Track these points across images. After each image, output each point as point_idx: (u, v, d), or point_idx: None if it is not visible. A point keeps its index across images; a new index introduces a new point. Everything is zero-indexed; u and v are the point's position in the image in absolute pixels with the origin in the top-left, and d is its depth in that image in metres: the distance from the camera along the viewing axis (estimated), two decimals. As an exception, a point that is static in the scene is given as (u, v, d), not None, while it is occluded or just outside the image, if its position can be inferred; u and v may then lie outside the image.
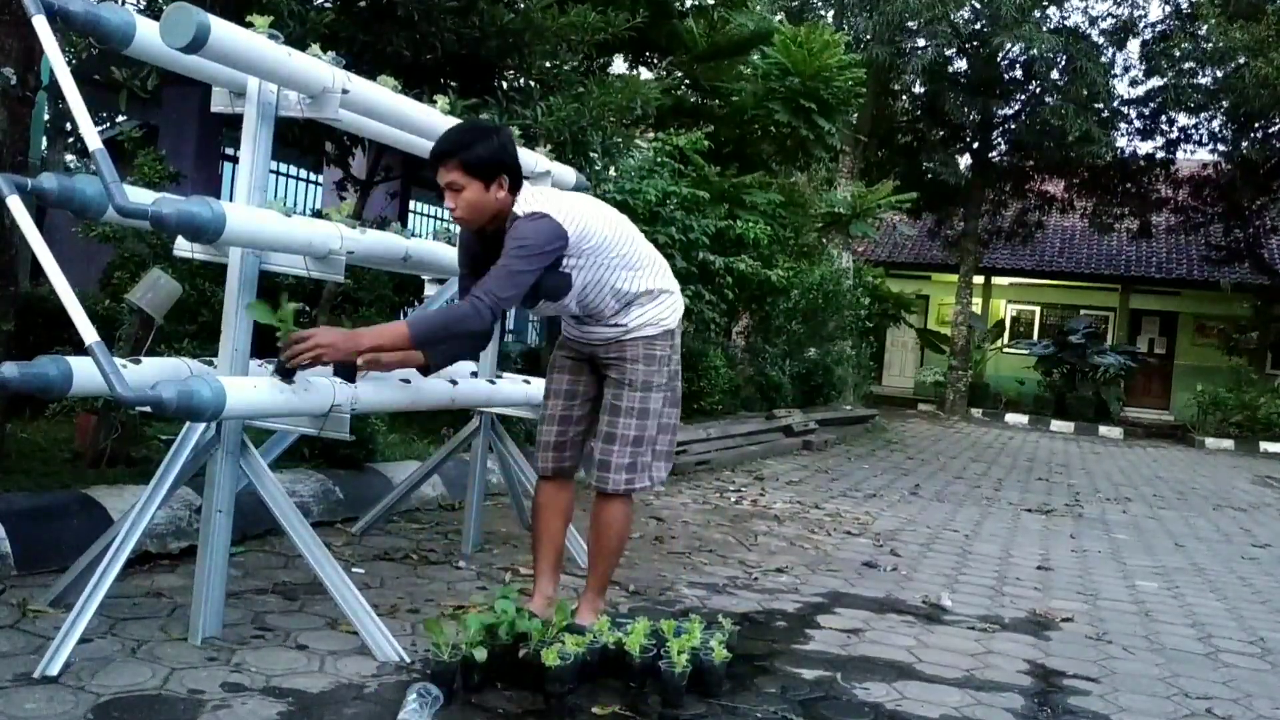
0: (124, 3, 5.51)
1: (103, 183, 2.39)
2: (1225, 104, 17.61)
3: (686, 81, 10.59)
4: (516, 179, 2.92)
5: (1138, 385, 21.35)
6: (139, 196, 2.60)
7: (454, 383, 3.60)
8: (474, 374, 3.97)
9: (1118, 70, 19.09)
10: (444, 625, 2.70)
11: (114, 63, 4.69)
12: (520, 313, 11.34)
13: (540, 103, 5.84)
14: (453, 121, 3.58)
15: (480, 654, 2.63)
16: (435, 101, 3.61)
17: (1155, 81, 18.86)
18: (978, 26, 17.19)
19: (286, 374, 2.74)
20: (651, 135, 9.21)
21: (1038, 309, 24.09)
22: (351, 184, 7.16)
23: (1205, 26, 16.48)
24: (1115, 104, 18.94)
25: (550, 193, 3.05)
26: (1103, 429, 17.32)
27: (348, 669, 2.78)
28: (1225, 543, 6.66)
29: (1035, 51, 16.56)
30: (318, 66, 2.86)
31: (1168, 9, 18.26)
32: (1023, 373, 19.95)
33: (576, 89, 6.19)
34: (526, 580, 3.92)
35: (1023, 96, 18.80)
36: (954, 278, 19.70)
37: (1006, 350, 22.05)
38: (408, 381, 3.30)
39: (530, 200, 2.91)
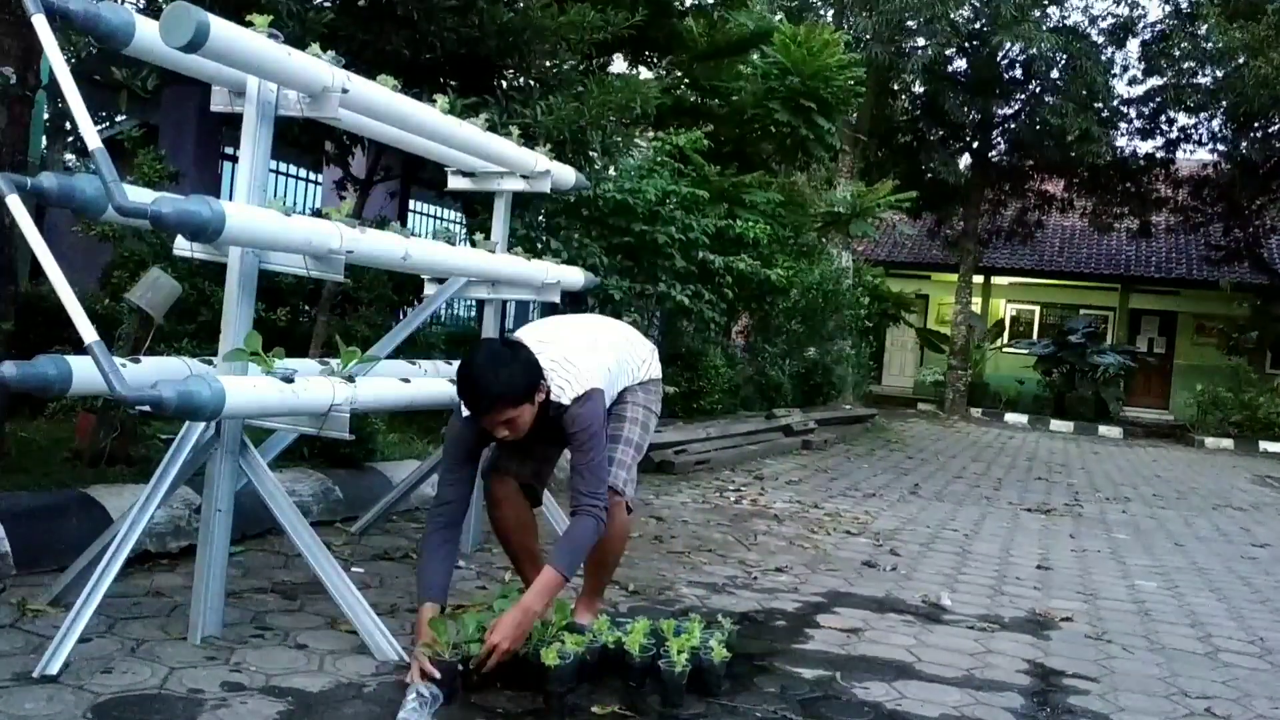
0: (123, 2, 5.51)
1: (102, 182, 2.39)
2: (1225, 104, 17.60)
3: (686, 81, 10.59)
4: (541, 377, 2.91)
5: (1137, 385, 21.35)
6: (138, 196, 2.60)
7: (453, 381, 3.59)
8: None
9: (1117, 70, 19.10)
10: (446, 624, 2.70)
11: (114, 62, 4.70)
12: (521, 313, 11.34)
13: (540, 102, 5.84)
14: (452, 120, 3.58)
15: (476, 650, 2.63)
16: (435, 101, 3.61)
17: (1155, 81, 18.87)
18: (977, 26, 17.18)
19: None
20: (651, 134, 9.21)
21: (1037, 308, 24.08)
22: (351, 183, 7.16)
23: (1205, 26, 16.47)
24: (1115, 103, 18.94)
25: (569, 356, 3.02)
26: (1102, 429, 17.32)
27: (347, 668, 2.78)
28: (1224, 542, 6.66)
29: (1035, 51, 16.56)
30: (317, 66, 2.86)
31: (1167, 8, 18.25)
32: (1022, 372, 19.95)
33: (576, 88, 6.19)
34: (526, 579, 3.92)
35: (1022, 96, 18.79)
36: (953, 277, 19.69)
37: (1006, 350, 22.04)
38: (406, 380, 3.30)
39: (564, 381, 2.94)
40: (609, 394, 3.13)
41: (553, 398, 2.93)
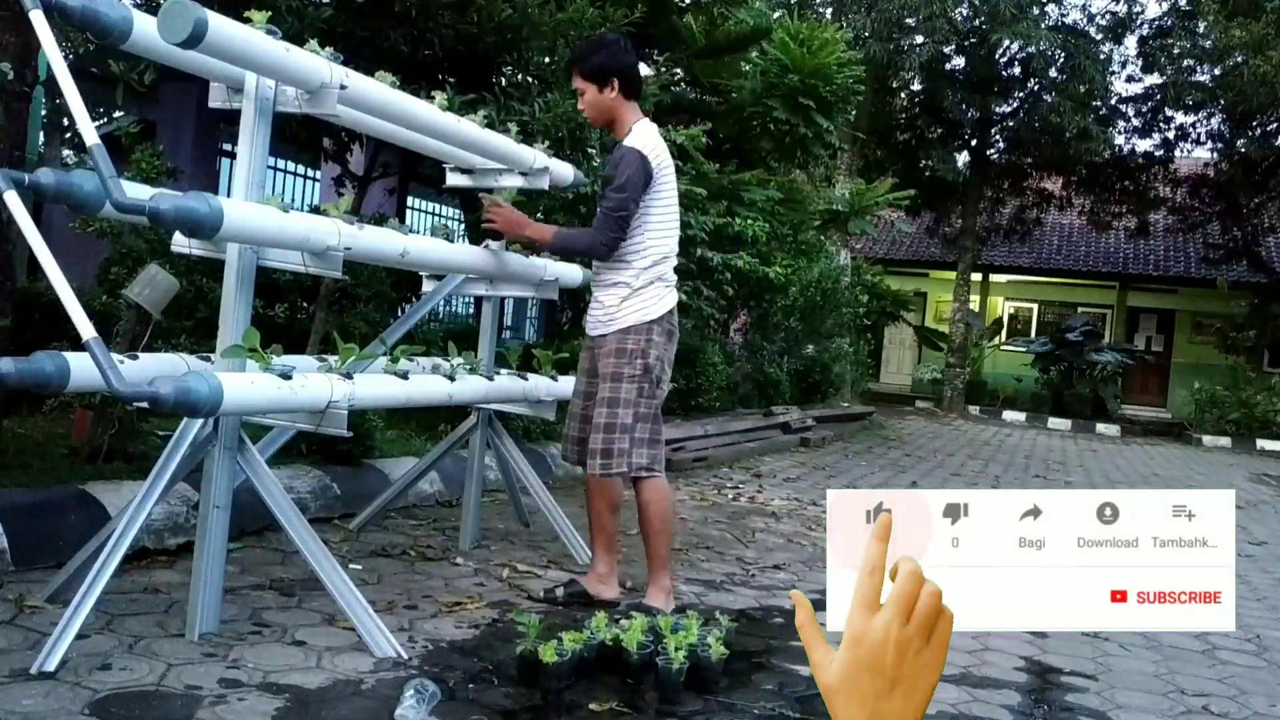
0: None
1: (100, 178, 2.39)
2: (1223, 102, 17.60)
3: (685, 78, 10.57)
4: (627, 83, 3.45)
5: (1135, 383, 21.37)
6: (136, 192, 2.60)
7: (451, 379, 3.60)
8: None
9: (1115, 68, 19.10)
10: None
11: (111, 58, 4.68)
12: (519, 310, 11.34)
13: (538, 98, 5.84)
14: (451, 117, 3.58)
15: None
16: (433, 97, 3.60)
17: (1153, 79, 18.88)
18: (976, 23, 17.17)
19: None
20: (650, 132, 9.18)
21: (1035, 306, 24.09)
22: (349, 180, 7.15)
23: (1204, 24, 16.47)
24: (1113, 101, 18.95)
25: (648, 133, 3.50)
26: (1100, 426, 17.33)
27: (345, 665, 2.78)
28: (1222, 540, 6.66)
29: (1033, 49, 16.56)
30: (315, 62, 2.86)
31: (1166, 6, 18.27)
32: (1020, 370, 19.95)
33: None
34: (525, 576, 3.93)
35: (1021, 94, 18.78)
36: (952, 275, 19.69)
37: (1004, 348, 22.04)
38: (405, 378, 3.30)
39: (635, 135, 3.43)
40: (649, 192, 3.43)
41: (619, 133, 3.48)
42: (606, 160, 7.36)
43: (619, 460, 3.37)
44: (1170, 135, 19.61)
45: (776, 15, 11.52)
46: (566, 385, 4.03)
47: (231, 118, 2.99)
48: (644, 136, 3.44)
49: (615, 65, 3.37)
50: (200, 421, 2.86)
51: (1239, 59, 15.67)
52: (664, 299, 3.50)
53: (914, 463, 9.97)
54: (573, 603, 3.51)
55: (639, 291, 3.44)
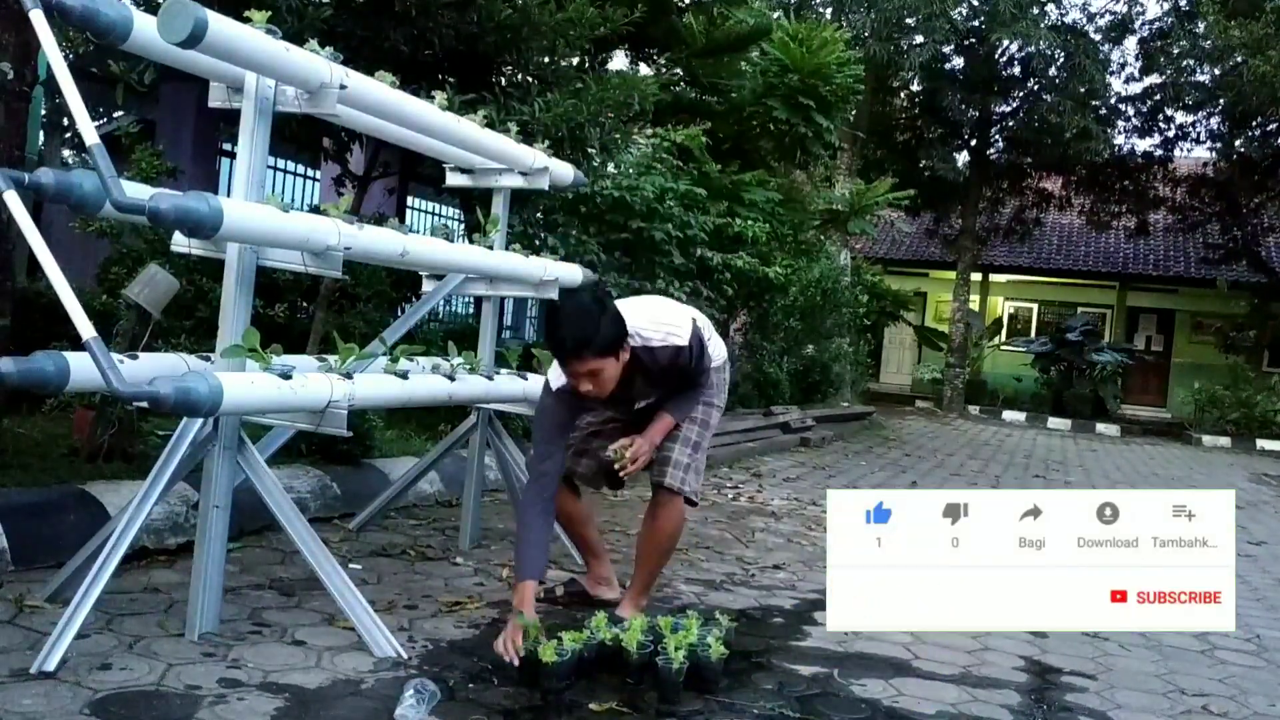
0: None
1: (100, 178, 2.39)
2: (1223, 102, 17.61)
3: (685, 78, 10.57)
4: (625, 333, 2.99)
5: (1135, 383, 21.37)
6: (136, 191, 2.60)
7: (451, 379, 3.60)
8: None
9: (1115, 68, 19.11)
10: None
11: (111, 57, 4.68)
12: (519, 310, 11.32)
13: (538, 98, 5.83)
14: (450, 117, 3.58)
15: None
16: (433, 97, 3.60)
17: (1153, 79, 18.87)
18: (976, 23, 17.18)
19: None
20: (650, 131, 9.19)
21: (1035, 306, 24.09)
22: (349, 180, 7.14)
23: (1203, 24, 16.47)
24: (1113, 101, 18.94)
25: (656, 315, 3.20)
26: (1100, 426, 17.33)
27: (345, 665, 2.78)
28: (1222, 540, 6.66)
29: (1033, 49, 16.56)
30: (315, 62, 2.86)
31: (1166, 6, 18.27)
32: (1020, 370, 19.95)
33: (574, 85, 6.18)
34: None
35: (1021, 94, 18.79)
36: (952, 275, 19.69)
37: (1004, 347, 22.05)
38: (405, 378, 3.30)
39: (667, 330, 3.12)
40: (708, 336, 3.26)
41: (657, 344, 3.09)
42: (606, 160, 7.39)
43: (694, 479, 3.27)
44: (1170, 135, 19.61)
45: (776, 15, 11.52)
46: (566, 385, 4.02)
47: (231, 117, 2.99)
48: (670, 322, 3.18)
49: (621, 333, 2.96)
50: (200, 421, 2.86)
51: (1238, 59, 15.67)
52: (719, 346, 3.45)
53: (914, 462, 9.97)
54: (572, 602, 3.50)
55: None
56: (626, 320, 2.98)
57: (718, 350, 3.37)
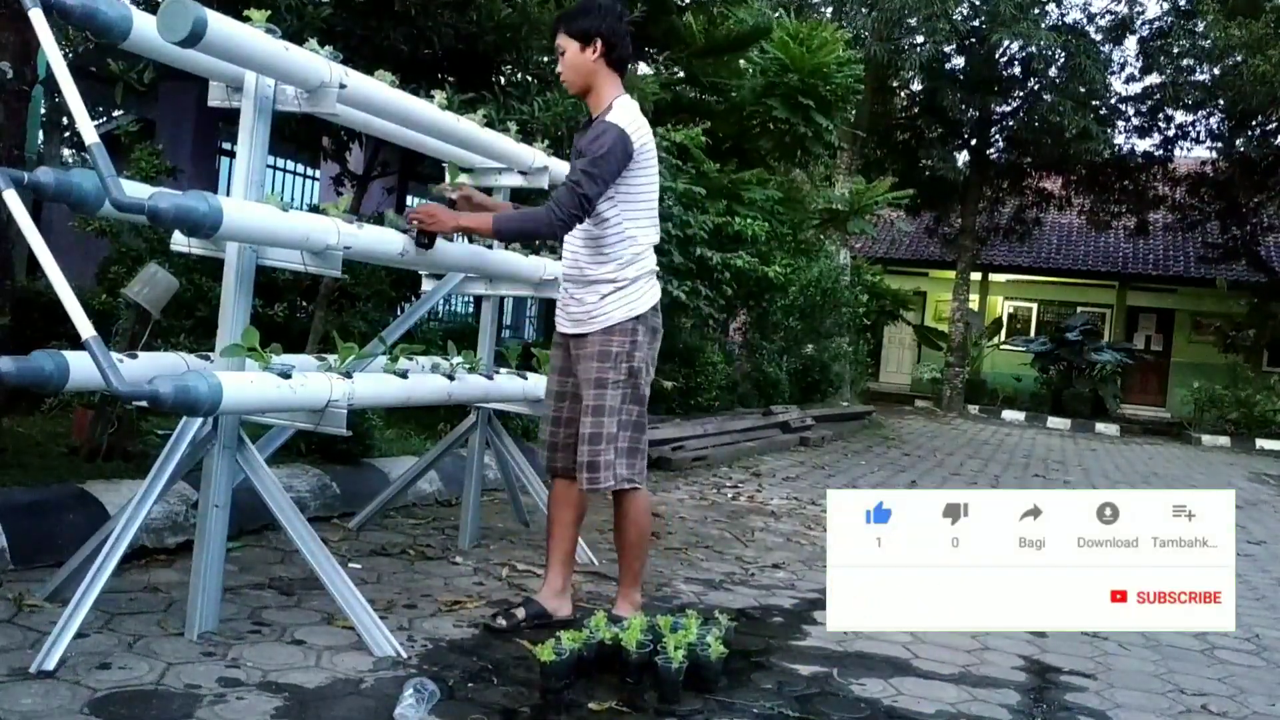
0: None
1: (99, 177, 2.38)
2: (1222, 101, 17.61)
3: (685, 77, 10.57)
4: (612, 49, 3.18)
5: (1134, 382, 21.38)
6: (135, 191, 2.60)
7: (451, 378, 3.60)
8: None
9: (1115, 67, 19.10)
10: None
11: (111, 56, 4.68)
12: (519, 309, 11.33)
13: (538, 98, 5.83)
14: (450, 116, 3.58)
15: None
16: (433, 96, 3.60)
17: (1153, 78, 18.87)
18: (976, 23, 17.18)
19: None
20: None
21: (1035, 306, 24.10)
22: (349, 179, 7.15)
23: (1203, 23, 16.47)
24: (1113, 101, 18.94)
25: (629, 109, 3.22)
26: (1099, 426, 17.33)
27: (344, 664, 2.78)
28: (1221, 540, 6.66)
29: (1033, 48, 16.55)
30: (315, 61, 2.86)
31: (1165, 6, 18.27)
32: (1020, 369, 19.96)
33: (574, 84, 6.17)
34: (524, 575, 3.93)
35: (1021, 93, 18.78)
36: (951, 274, 19.69)
37: (1003, 347, 22.05)
38: (405, 377, 3.30)
39: (616, 110, 3.16)
40: (626, 177, 3.17)
41: (603, 111, 3.17)
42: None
43: (605, 474, 3.16)
44: (1170, 134, 19.61)
45: (776, 15, 11.50)
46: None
47: (231, 117, 2.99)
48: (625, 113, 3.14)
49: (601, 27, 3.13)
50: (200, 420, 2.86)
51: (1238, 59, 15.68)
52: (649, 293, 3.25)
53: (913, 462, 9.97)
54: (536, 626, 3.25)
55: (622, 287, 3.19)
56: (618, 104, 3.16)
57: (620, 301, 3.20)
